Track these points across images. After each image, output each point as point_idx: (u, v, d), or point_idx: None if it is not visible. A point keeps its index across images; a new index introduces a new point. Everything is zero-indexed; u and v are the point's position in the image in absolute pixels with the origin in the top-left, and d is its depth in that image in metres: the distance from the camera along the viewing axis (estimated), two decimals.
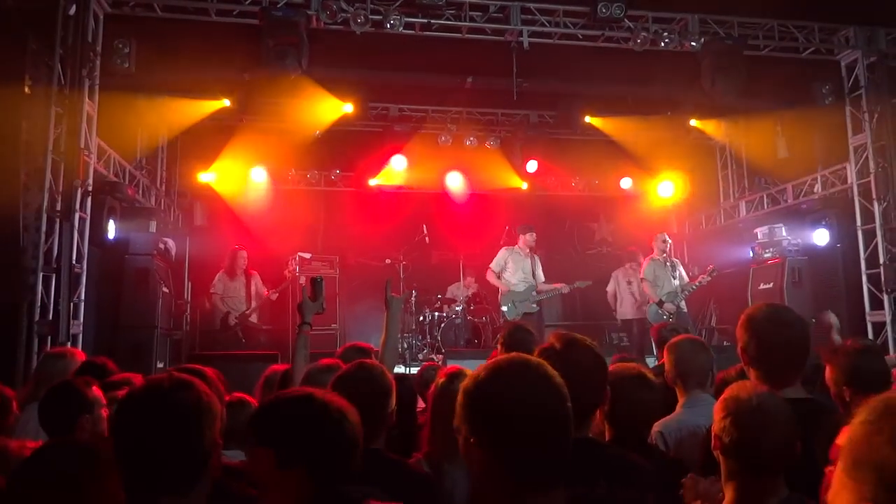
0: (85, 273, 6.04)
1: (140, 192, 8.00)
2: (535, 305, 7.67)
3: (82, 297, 6.01)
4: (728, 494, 1.65)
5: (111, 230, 6.79)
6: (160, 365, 7.10)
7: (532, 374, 1.17)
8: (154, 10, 6.41)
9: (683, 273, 7.89)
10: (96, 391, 2.23)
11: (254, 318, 8.45)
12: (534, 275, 7.73)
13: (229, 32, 6.63)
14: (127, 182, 7.57)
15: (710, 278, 7.50)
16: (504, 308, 7.72)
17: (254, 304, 8.38)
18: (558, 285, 7.74)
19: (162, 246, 7.70)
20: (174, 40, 6.82)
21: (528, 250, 7.80)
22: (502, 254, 7.89)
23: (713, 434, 1.70)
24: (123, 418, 1.38)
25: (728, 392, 1.72)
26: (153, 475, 1.32)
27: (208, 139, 9.03)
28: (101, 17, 6.26)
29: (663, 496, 1.77)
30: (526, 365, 1.19)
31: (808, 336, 2.13)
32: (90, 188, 6.17)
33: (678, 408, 2.67)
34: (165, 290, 7.53)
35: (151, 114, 8.36)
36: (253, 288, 8.45)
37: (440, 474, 2.11)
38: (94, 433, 2.09)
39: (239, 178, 9.88)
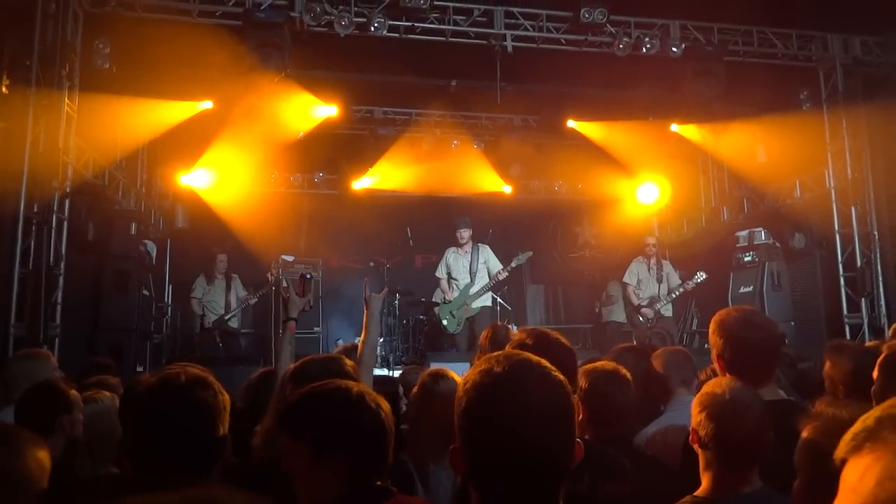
0: (63, 275, 5.95)
1: (120, 193, 7.90)
2: (476, 305, 7.15)
3: (59, 299, 5.92)
4: (703, 484, 1.73)
5: (90, 232, 6.70)
6: (139, 369, 7.01)
7: (531, 374, 1.08)
8: (135, 10, 6.34)
9: (673, 276, 7.91)
10: (75, 393, 2.20)
11: (234, 323, 8.37)
12: (471, 271, 7.22)
13: (212, 33, 6.57)
14: (107, 184, 7.47)
15: (694, 284, 7.56)
16: (444, 322, 7.23)
17: (234, 308, 8.26)
18: (500, 273, 7.17)
19: (142, 248, 7.63)
20: (155, 41, 6.74)
21: (465, 245, 7.34)
22: (443, 258, 7.49)
23: (691, 428, 1.77)
24: (141, 411, 1.39)
25: (704, 388, 1.80)
26: (167, 470, 1.33)
27: (190, 141, 8.93)
28: (81, 16, 6.19)
29: (642, 493, 1.79)
30: (522, 364, 1.09)
31: (777, 337, 2.20)
32: (69, 190, 6.09)
33: (665, 410, 2.72)
34: (146, 293, 7.45)
35: (132, 115, 8.24)
36: (233, 292, 8.35)
37: (425, 475, 2.10)
38: (71, 435, 2.06)
39: (221, 180, 9.79)
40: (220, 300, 8.33)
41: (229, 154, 9.38)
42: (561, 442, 1.04)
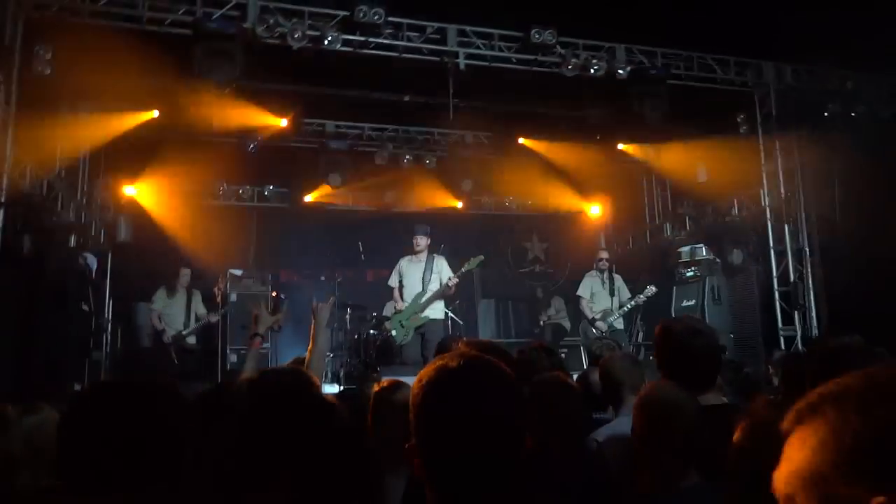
0: None
1: (59, 205, 7.60)
2: (424, 313, 6.96)
3: None
4: (645, 481, 1.85)
5: (26, 245, 6.41)
6: (77, 387, 6.72)
7: (484, 369, 1.12)
8: (80, 16, 6.16)
9: (624, 290, 8.12)
10: (8, 409, 2.11)
11: (191, 340, 8.13)
12: (424, 279, 7.05)
13: (160, 42, 6.44)
14: (45, 194, 7.18)
15: (646, 297, 7.78)
16: (393, 332, 7.06)
17: (192, 324, 8.09)
18: (445, 281, 7.00)
19: (82, 262, 7.34)
20: (100, 48, 6.55)
21: (421, 254, 7.17)
22: (396, 267, 7.29)
23: (631, 429, 1.88)
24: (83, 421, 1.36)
25: (641, 392, 1.96)
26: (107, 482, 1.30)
27: (134, 152, 8.68)
28: (21, 19, 5.96)
29: (588, 498, 1.86)
30: (476, 360, 1.13)
31: (718, 345, 2.33)
32: (4, 200, 5.83)
33: (613, 417, 2.81)
34: (85, 307, 7.17)
35: (73, 124, 7.96)
36: (192, 307, 8.16)
37: (381, 486, 2.10)
38: (8, 453, 1.98)
39: (166, 191, 9.54)
40: (180, 315, 8.08)
41: (176, 165, 9.16)
42: (513, 433, 1.08)
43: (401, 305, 7.12)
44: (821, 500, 0.52)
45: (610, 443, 2.38)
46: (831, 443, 0.53)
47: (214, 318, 8.21)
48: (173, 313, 8.07)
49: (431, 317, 7.01)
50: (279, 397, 1.39)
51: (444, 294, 7.07)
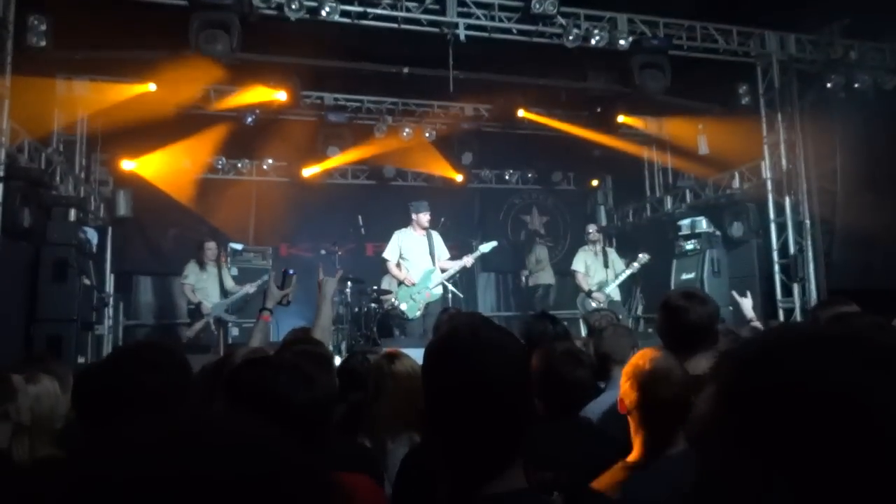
0: None
1: (58, 179, 7.58)
2: (437, 290, 7.05)
3: None
4: (634, 448, 1.87)
5: (26, 218, 6.40)
6: (81, 360, 6.78)
7: (492, 332, 1.16)
8: None
9: (618, 262, 8.16)
10: (18, 378, 2.13)
11: (230, 313, 8.09)
12: (432, 255, 7.12)
13: (157, 13, 6.36)
14: (43, 168, 7.15)
15: (640, 265, 7.80)
16: (403, 306, 7.07)
17: (231, 297, 8.03)
18: (462, 260, 7.09)
19: (82, 236, 7.34)
20: (95, 19, 6.46)
21: (421, 229, 7.20)
22: (394, 239, 7.28)
23: (619, 397, 1.90)
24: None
25: (630, 360, 1.96)
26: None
27: (132, 125, 8.61)
28: None
29: (588, 469, 1.88)
30: (484, 325, 1.19)
31: (715, 314, 2.36)
32: (2, 174, 5.81)
33: (606, 388, 2.84)
34: (86, 282, 7.19)
35: (70, 97, 7.91)
36: (225, 280, 8.12)
37: (383, 452, 2.13)
38: (18, 421, 2.00)
39: (165, 166, 9.50)
40: (214, 289, 8.00)
41: (174, 139, 9.11)
42: (519, 395, 1.11)
43: (411, 279, 7.06)
44: (709, 444, 0.60)
45: (595, 415, 2.41)
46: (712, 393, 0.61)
47: (252, 289, 8.00)
48: (207, 287, 7.97)
49: (438, 293, 7.09)
50: None
51: (458, 273, 7.17)
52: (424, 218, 7.14)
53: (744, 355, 0.61)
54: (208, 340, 7.68)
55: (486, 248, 7.10)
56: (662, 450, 1.80)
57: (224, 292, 8.03)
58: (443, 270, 7.06)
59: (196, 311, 7.89)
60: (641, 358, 1.91)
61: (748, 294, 4.61)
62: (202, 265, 8.05)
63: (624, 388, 1.89)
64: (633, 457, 1.86)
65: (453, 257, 7.33)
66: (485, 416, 1.07)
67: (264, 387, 1.33)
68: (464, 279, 9.84)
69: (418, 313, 6.96)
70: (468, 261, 7.02)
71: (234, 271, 8.56)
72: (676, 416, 1.79)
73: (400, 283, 7.12)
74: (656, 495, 1.57)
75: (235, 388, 1.36)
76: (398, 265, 7.21)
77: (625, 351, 2.91)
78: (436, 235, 7.28)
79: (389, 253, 7.24)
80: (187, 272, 8.02)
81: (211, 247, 8.13)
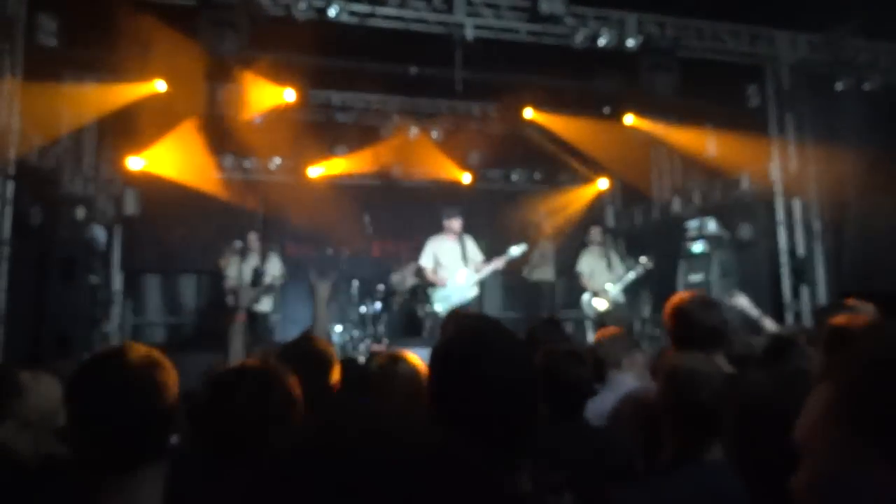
0: (7, 261, 5.73)
1: (66, 177, 7.61)
2: (473, 290, 7.25)
3: (4, 286, 5.70)
4: (666, 451, 1.82)
5: (35, 217, 6.45)
6: None
7: (499, 333, 1.17)
8: None
9: (621, 265, 8.13)
10: (26, 376, 2.14)
11: (265, 306, 7.67)
12: (465, 259, 7.32)
13: (165, 12, 6.39)
14: (53, 167, 7.19)
15: (643, 269, 7.77)
16: (438, 307, 7.23)
17: (263, 288, 7.60)
18: (493, 263, 7.30)
19: (89, 234, 7.38)
20: (104, 18, 6.50)
21: (454, 234, 7.40)
22: (428, 247, 7.47)
23: (655, 398, 1.83)
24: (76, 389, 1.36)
25: (667, 360, 1.94)
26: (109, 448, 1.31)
27: (141, 124, 8.66)
28: None
29: (596, 470, 1.86)
30: (490, 326, 1.19)
31: (725, 318, 2.36)
32: (12, 172, 5.85)
33: (602, 390, 2.87)
34: (95, 280, 7.23)
35: (79, 96, 7.95)
36: (268, 268, 7.69)
37: None
38: (25, 419, 2.01)
39: (173, 164, 9.53)
40: (249, 277, 7.59)
41: (182, 138, 9.15)
42: (522, 399, 1.11)
43: (443, 278, 7.22)
44: (823, 442, 0.64)
45: (594, 417, 2.40)
46: (831, 397, 0.66)
47: (279, 283, 7.75)
48: (244, 279, 7.60)
49: (472, 295, 7.33)
50: None
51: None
52: (456, 223, 7.36)
53: (871, 354, 0.66)
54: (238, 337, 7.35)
55: (516, 251, 7.29)
56: (695, 455, 1.75)
57: (261, 283, 7.61)
58: (476, 272, 7.26)
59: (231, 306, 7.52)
60: (678, 358, 1.88)
61: (738, 294, 4.63)
62: (243, 256, 7.67)
63: (661, 389, 1.85)
64: (664, 458, 1.81)
65: None
66: (487, 419, 1.07)
67: None
68: None
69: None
70: (499, 264, 7.25)
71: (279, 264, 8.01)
72: (712, 420, 1.74)
73: (435, 285, 7.26)
74: (687, 500, 1.55)
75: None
76: (434, 271, 7.38)
77: (620, 355, 2.96)
78: (468, 239, 7.47)
79: (425, 260, 7.42)
80: (227, 271, 7.65)
81: (252, 237, 7.76)
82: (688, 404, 1.76)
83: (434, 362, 1.16)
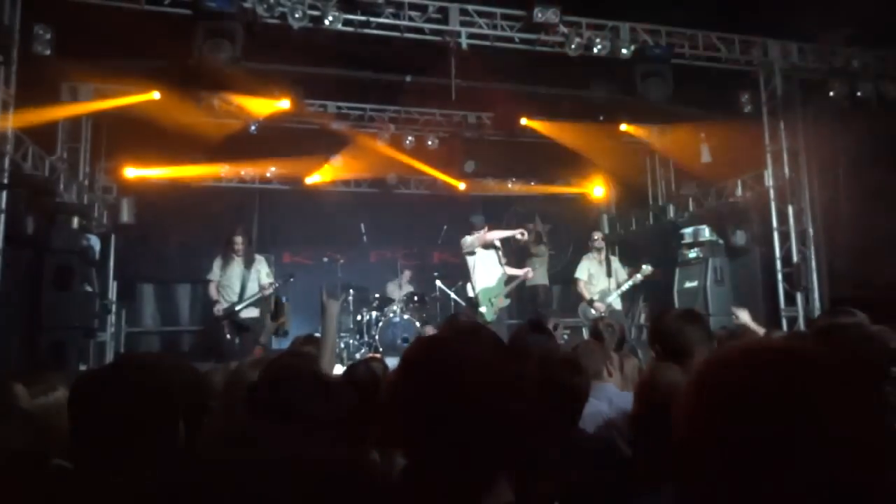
0: (1, 270, 5.70)
1: (62, 186, 7.60)
2: (507, 298, 7.36)
3: None
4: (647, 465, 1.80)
5: (30, 225, 6.43)
6: (83, 368, 6.78)
7: (477, 335, 1.14)
8: None
9: (621, 271, 8.13)
10: (21, 388, 2.14)
11: (251, 313, 7.13)
12: (501, 263, 7.41)
13: (160, 22, 6.39)
14: (47, 176, 7.18)
15: (643, 276, 7.77)
16: (483, 309, 7.17)
17: (249, 295, 7.13)
18: (524, 269, 7.54)
19: (85, 243, 7.35)
20: (99, 28, 6.50)
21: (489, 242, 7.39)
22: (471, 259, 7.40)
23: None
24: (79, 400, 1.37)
25: (646, 374, 1.89)
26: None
27: (136, 132, 8.66)
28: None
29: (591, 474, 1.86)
30: (467, 327, 1.16)
31: (709, 329, 2.49)
32: (7, 181, 5.83)
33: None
34: (88, 288, 7.20)
35: (73, 105, 7.96)
36: (253, 277, 7.25)
37: (392, 465, 2.12)
38: (24, 430, 2.00)
39: (168, 173, 9.54)
40: (236, 286, 7.18)
41: (177, 147, 9.14)
42: (496, 407, 1.07)
43: (486, 283, 7.26)
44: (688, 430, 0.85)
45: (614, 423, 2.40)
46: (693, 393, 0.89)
47: (268, 291, 7.19)
48: (229, 284, 7.19)
49: (507, 301, 7.46)
50: None
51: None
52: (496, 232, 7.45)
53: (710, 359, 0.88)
54: (221, 345, 6.99)
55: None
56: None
57: (246, 291, 7.20)
58: (508, 277, 7.39)
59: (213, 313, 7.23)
60: (657, 370, 1.90)
61: (741, 309, 4.72)
62: (227, 260, 7.28)
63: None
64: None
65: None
66: (454, 429, 1.03)
67: None
68: (467, 286, 9.83)
69: (494, 316, 7.18)
70: (529, 272, 7.58)
71: (266, 270, 7.51)
72: None
73: (483, 287, 7.24)
74: None
75: None
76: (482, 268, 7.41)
77: (598, 365, 2.97)
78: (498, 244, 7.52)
79: (473, 262, 7.42)
80: (214, 267, 7.32)
81: (237, 240, 7.33)
82: (662, 418, 1.77)
83: (397, 373, 1.13)
